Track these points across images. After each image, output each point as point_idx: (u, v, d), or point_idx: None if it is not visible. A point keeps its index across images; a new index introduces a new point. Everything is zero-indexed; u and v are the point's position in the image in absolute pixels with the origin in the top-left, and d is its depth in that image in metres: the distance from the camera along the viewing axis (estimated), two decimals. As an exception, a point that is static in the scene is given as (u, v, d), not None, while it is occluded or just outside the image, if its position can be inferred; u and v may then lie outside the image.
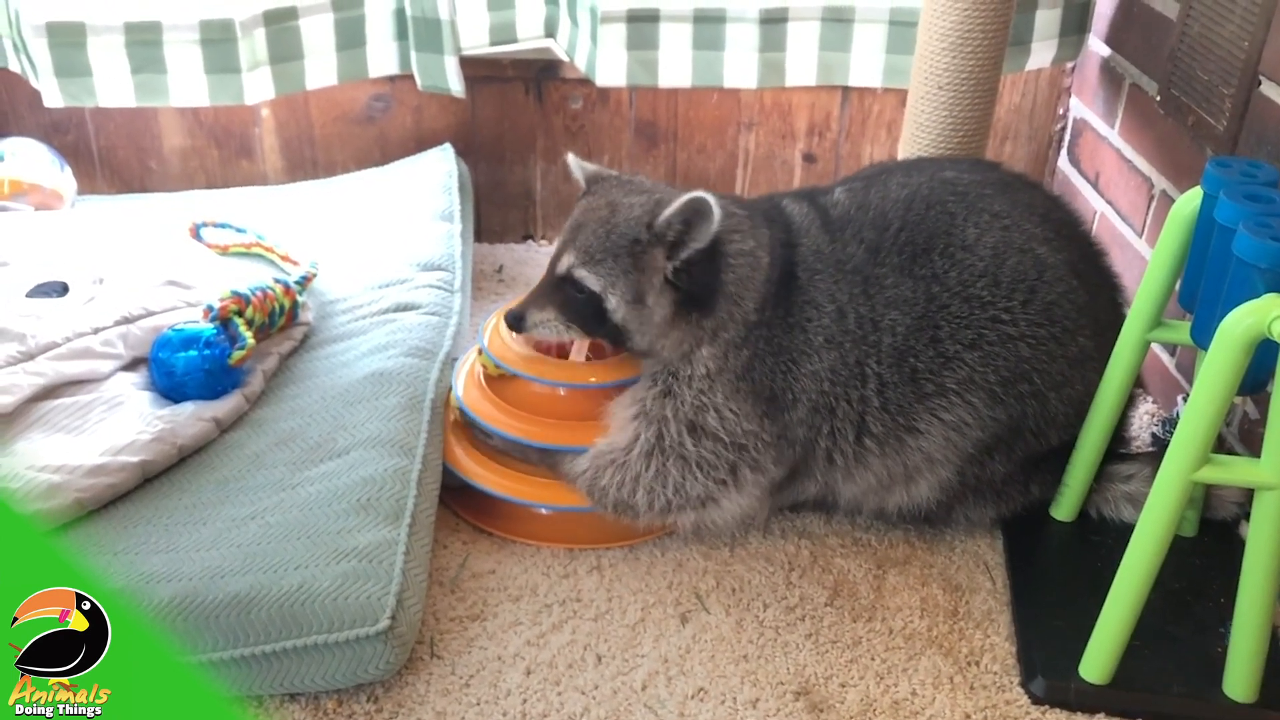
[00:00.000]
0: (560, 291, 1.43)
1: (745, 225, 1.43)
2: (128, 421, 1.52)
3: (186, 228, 1.98)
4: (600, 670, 1.31)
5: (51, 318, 1.62)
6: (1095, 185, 2.09)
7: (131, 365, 1.64)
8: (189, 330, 1.61)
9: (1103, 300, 1.50)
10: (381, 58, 2.13)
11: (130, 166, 2.30)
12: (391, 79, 2.22)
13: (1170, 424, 1.70)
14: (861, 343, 1.42)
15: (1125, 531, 1.24)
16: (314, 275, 1.88)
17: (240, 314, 1.66)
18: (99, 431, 1.50)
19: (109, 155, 2.29)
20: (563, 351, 1.55)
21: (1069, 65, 2.19)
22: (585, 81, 2.17)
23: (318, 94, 2.21)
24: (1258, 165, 1.28)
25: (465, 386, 1.58)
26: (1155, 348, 1.80)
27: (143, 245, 1.88)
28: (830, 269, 1.44)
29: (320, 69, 2.09)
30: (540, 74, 2.23)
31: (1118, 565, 1.22)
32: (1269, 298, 1.09)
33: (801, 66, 2.08)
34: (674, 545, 1.51)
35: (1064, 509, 1.53)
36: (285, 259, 1.93)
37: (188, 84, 2.02)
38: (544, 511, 1.50)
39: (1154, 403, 1.81)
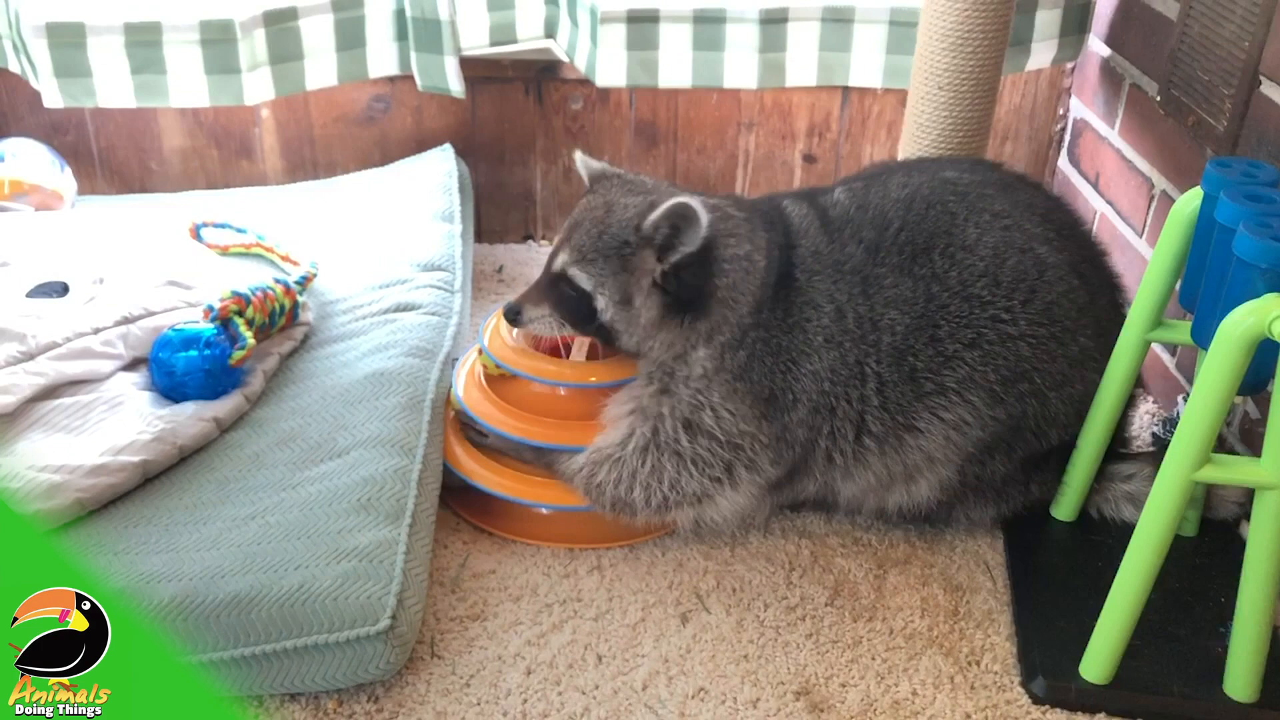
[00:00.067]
0: (555, 289, 1.44)
1: (741, 229, 1.43)
2: (128, 421, 1.52)
3: (187, 228, 1.98)
4: (601, 670, 1.31)
5: (52, 318, 1.62)
6: (1095, 185, 2.08)
7: (132, 365, 1.64)
8: (189, 330, 1.61)
9: (1103, 300, 1.50)
10: (381, 58, 2.13)
11: (130, 167, 2.30)
12: (391, 79, 2.22)
13: (1171, 424, 1.70)
14: (861, 342, 1.42)
15: (1126, 531, 1.24)
16: (314, 275, 1.88)
17: (240, 314, 1.66)
18: (99, 431, 1.50)
19: (109, 156, 2.29)
20: (563, 347, 1.55)
21: (1069, 65, 2.19)
22: (585, 82, 2.17)
23: (318, 94, 2.21)
24: (1258, 165, 1.28)
25: (465, 386, 1.58)
26: (1155, 348, 1.80)
27: (143, 245, 1.88)
28: (829, 269, 1.44)
29: (320, 69, 2.09)
30: (540, 74, 2.23)
31: (1118, 565, 1.22)
32: (1269, 298, 1.09)
33: (801, 67, 2.08)
34: (674, 545, 1.51)
35: (1064, 509, 1.53)
36: (285, 259, 1.93)
37: (188, 84, 2.01)
38: (544, 511, 1.50)
39: (1154, 402, 1.81)
